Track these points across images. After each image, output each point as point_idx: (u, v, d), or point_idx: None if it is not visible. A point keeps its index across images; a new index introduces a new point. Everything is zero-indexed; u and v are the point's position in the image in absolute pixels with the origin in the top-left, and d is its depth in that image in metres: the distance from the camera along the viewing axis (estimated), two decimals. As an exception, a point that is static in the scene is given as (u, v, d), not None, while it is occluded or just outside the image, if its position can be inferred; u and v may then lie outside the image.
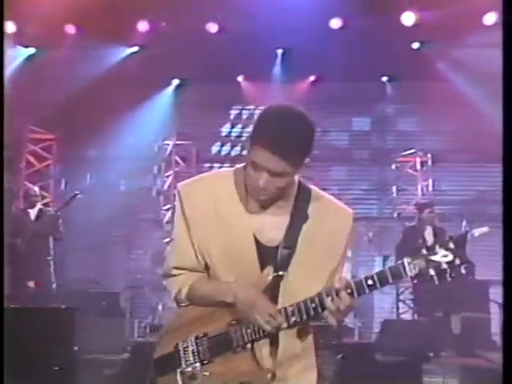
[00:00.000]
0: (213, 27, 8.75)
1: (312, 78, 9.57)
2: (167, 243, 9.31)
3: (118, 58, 9.15)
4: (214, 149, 10.17)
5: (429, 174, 8.73)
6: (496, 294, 7.27)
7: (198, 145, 9.60)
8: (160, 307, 8.44)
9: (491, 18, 8.45)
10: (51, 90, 8.47)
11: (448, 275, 1.84)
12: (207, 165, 9.96)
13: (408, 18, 8.50)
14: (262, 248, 2.03)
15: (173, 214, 7.42)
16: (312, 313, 1.93)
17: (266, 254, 2.02)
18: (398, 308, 7.45)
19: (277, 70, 9.28)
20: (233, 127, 10.22)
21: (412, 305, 7.31)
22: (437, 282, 1.84)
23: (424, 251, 1.86)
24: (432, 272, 1.84)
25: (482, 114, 8.45)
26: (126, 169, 9.45)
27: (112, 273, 9.14)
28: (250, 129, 8.56)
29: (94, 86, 8.69)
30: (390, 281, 1.89)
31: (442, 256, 1.85)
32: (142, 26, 8.84)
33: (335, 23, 8.63)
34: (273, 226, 2.05)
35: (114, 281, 8.86)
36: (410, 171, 8.76)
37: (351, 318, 6.73)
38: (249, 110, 10.16)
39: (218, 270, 2.07)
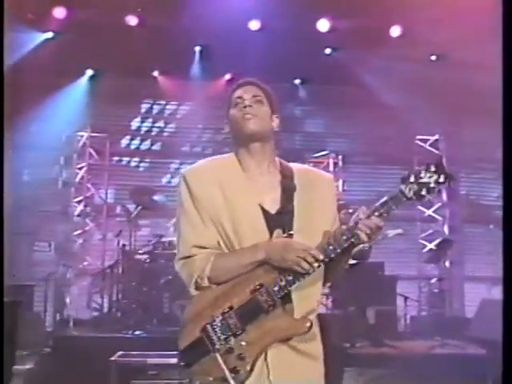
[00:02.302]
0: (132, 20, 8.66)
1: (227, 77, 9.74)
2: (78, 236, 9.16)
3: (31, 44, 8.81)
4: (124, 142, 10.08)
5: (340, 174, 9.20)
6: (402, 288, 7.87)
7: (111, 137, 9.48)
8: (68, 300, 8.29)
9: (396, 31, 9.08)
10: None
11: (437, 191, 2.19)
12: (116, 158, 9.88)
13: (323, 25, 8.90)
14: (266, 215, 2.29)
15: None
16: (345, 244, 2.18)
17: (271, 221, 2.28)
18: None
19: (193, 67, 9.34)
20: (143, 121, 10.17)
21: (323, 300, 7.72)
22: (430, 198, 2.22)
23: (412, 178, 2.18)
24: (424, 192, 2.18)
25: (387, 118, 9.04)
26: (31, 159, 9.16)
27: (14, 265, 8.81)
28: (160, 124, 8.59)
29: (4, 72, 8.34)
30: (394, 207, 2.20)
31: (429, 177, 2.17)
32: (59, 12, 8.58)
33: (254, 25, 8.84)
34: (270, 195, 2.33)
35: (17, 273, 8.57)
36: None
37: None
38: (160, 104, 10.18)
39: (232, 242, 2.26)
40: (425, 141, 9.63)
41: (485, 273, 9.55)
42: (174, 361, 4.95)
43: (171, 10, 8.30)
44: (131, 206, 7.86)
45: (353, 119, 9.68)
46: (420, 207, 9.56)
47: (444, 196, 9.54)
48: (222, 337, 2.17)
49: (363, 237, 2.16)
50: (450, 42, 8.74)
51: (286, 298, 2.21)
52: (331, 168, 8.95)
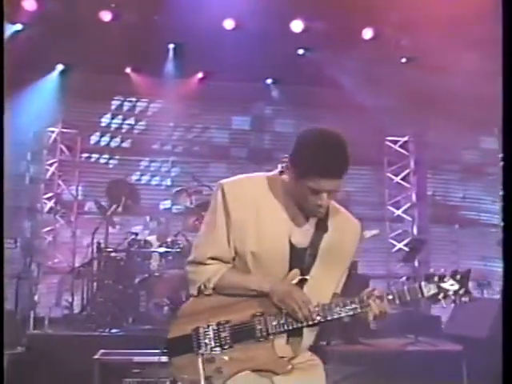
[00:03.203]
0: (106, 15, 8.55)
1: (200, 75, 9.73)
2: (47, 233, 9.01)
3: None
4: (95, 139, 9.94)
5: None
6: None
7: (82, 134, 9.37)
8: (41, 298, 8.17)
9: (368, 33, 9.21)
10: None
11: (452, 301, 2.29)
12: (85, 155, 9.74)
13: (297, 26, 8.96)
14: (292, 250, 2.34)
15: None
16: (350, 313, 2.24)
17: (294, 257, 2.33)
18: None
19: (167, 64, 9.30)
20: (114, 118, 10.06)
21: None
22: (444, 306, 2.27)
23: (436, 278, 2.28)
24: (441, 296, 2.27)
25: (358, 119, 9.15)
26: (-2, 154, 8.96)
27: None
28: (131, 121, 8.42)
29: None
30: (408, 298, 2.29)
31: (450, 285, 2.27)
32: (29, 3, 8.40)
33: (228, 24, 8.85)
34: (303, 232, 2.38)
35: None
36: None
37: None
38: (131, 101, 10.08)
39: (249, 265, 2.31)
40: (395, 142, 9.80)
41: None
42: (157, 359, 4.95)
43: (146, 6, 8.27)
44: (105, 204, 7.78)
45: (323, 120, 9.74)
46: (389, 207, 9.74)
47: (413, 196, 9.76)
48: (210, 344, 2.24)
49: (371, 316, 2.25)
50: (419, 46, 8.94)
51: (280, 335, 2.29)
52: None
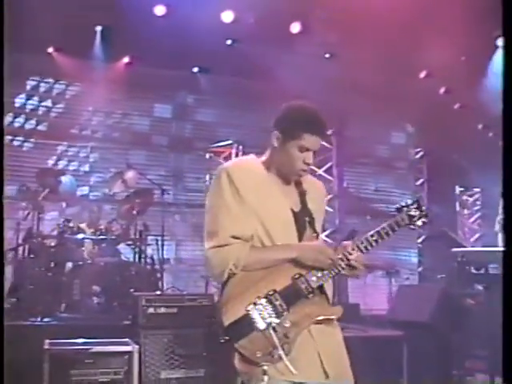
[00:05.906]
0: (30, -7, 8.16)
1: (126, 60, 9.52)
2: None
3: None
4: (7, 120, 9.45)
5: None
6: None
7: (-3, 114, 8.89)
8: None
9: (296, 28, 9.40)
10: None
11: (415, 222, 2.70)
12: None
13: (227, 16, 9.00)
14: (295, 216, 2.59)
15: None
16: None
17: (297, 221, 2.59)
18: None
19: (92, 46, 9.02)
20: (29, 99, 9.61)
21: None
22: (413, 228, 2.69)
23: (405, 209, 2.69)
24: (414, 220, 2.69)
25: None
26: None
27: None
28: (47, 103, 8.19)
29: None
30: (396, 228, 2.69)
31: (414, 211, 2.70)
32: None
33: (159, 10, 8.74)
34: (293, 198, 2.65)
35: None
36: (223, 161, 9.25)
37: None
38: (48, 82, 9.68)
39: (266, 237, 2.49)
40: (318, 135, 10.04)
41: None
42: (111, 349, 4.85)
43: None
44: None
45: (249, 111, 9.84)
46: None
47: (335, 189, 10.09)
48: (268, 316, 2.35)
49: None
50: (342, 42, 9.25)
51: (320, 287, 2.51)
52: (233, 158, 9.06)
